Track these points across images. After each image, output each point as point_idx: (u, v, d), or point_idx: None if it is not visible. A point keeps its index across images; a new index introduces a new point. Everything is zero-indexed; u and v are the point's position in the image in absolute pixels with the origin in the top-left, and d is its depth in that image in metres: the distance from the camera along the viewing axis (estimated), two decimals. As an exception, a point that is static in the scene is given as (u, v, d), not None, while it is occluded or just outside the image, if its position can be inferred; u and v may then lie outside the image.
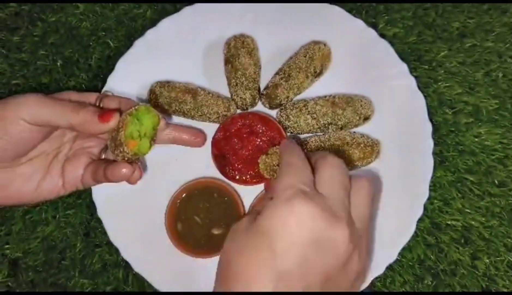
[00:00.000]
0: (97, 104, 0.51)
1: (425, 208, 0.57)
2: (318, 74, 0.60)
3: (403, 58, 0.61)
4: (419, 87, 0.60)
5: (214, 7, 0.63)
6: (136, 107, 0.47)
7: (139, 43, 0.62)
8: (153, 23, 0.63)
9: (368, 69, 0.61)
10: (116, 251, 0.58)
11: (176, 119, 0.61)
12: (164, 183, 0.59)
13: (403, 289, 0.58)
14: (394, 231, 0.57)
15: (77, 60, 0.65)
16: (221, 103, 0.59)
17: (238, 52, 0.60)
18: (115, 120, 0.46)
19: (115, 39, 0.65)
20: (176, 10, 0.63)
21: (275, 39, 0.62)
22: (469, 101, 0.62)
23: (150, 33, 0.62)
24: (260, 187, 0.58)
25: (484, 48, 0.64)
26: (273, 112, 0.61)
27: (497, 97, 0.62)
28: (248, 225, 0.38)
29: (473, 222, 0.59)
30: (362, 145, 0.57)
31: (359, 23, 0.62)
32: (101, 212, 0.59)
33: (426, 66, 0.63)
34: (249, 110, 0.61)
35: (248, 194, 0.58)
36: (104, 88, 0.61)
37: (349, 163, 0.57)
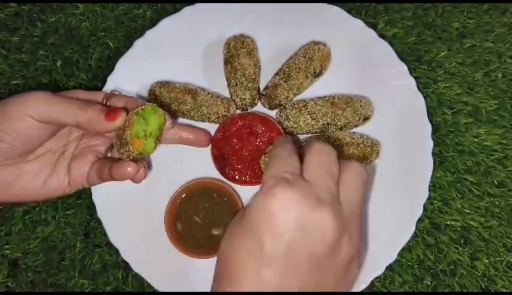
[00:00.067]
0: (104, 103, 0.51)
1: (425, 208, 0.57)
2: (317, 74, 0.60)
3: (402, 58, 0.61)
4: (418, 88, 0.60)
5: (214, 7, 0.63)
6: (142, 106, 0.48)
7: (139, 44, 0.62)
8: (153, 23, 0.63)
9: (367, 69, 0.61)
10: (116, 251, 0.58)
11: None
12: (164, 183, 0.59)
13: (403, 289, 0.58)
14: (393, 231, 0.57)
15: (77, 61, 0.65)
16: (220, 103, 0.59)
17: (237, 53, 0.60)
18: (121, 119, 0.47)
19: (115, 40, 0.65)
20: (176, 10, 0.63)
21: (275, 39, 0.62)
22: (468, 102, 0.62)
23: (150, 34, 0.62)
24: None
25: (484, 49, 0.64)
26: (273, 113, 0.61)
27: (496, 97, 0.62)
28: (238, 221, 0.39)
29: (472, 222, 0.59)
30: (361, 145, 0.57)
31: (359, 24, 0.61)
32: (101, 213, 0.59)
33: (426, 67, 0.63)
34: (249, 110, 0.61)
35: (247, 194, 0.58)
36: (104, 89, 0.61)
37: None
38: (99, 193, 0.59)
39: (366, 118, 0.59)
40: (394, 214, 0.57)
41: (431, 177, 0.57)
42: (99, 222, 0.59)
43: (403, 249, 0.57)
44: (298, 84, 0.59)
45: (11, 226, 0.61)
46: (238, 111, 0.61)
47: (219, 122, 0.60)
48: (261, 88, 0.62)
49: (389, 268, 0.57)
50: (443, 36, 0.64)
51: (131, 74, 0.61)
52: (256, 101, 0.61)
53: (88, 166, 0.51)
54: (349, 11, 0.62)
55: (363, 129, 0.60)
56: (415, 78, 0.60)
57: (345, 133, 0.58)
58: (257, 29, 0.62)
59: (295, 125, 0.58)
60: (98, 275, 0.60)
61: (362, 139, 0.58)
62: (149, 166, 0.60)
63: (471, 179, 0.60)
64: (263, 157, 0.50)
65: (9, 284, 0.59)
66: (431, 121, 0.59)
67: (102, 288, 0.59)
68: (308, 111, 0.58)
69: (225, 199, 0.58)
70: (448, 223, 0.59)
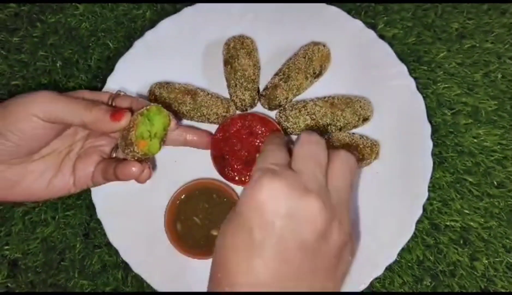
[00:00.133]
0: (110, 103, 0.51)
1: (424, 209, 0.57)
2: (317, 75, 0.60)
3: (402, 59, 0.61)
4: (418, 88, 0.60)
5: (214, 7, 0.63)
6: (147, 107, 0.48)
7: (138, 44, 0.62)
8: (153, 24, 0.63)
9: (367, 70, 0.61)
10: (116, 252, 0.58)
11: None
12: (163, 183, 0.59)
13: (402, 290, 0.58)
14: (393, 232, 0.57)
15: (77, 61, 0.65)
16: (220, 104, 0.59)
17: (237, 53, 0.60)
18: (126, 120, 0.47)
19: (114, 40, 0.65)
20: (176, 10, 0.63)
21: (275, 40, 0.62)
22: (468, 102, 0.62)
23: (150, 34, 0.62)
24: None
25: (483, 49, 0.64)
26: (272, 114, 0.61)
27: (496, 98, 0.62)
28: (229, 216, 0.39)
29: (472, 223, 0.59)
30: (361, 146, 0.57)
31: (358, 24, 0.62)
32: (101, 213, 0.59)
33: (425, 67, 0.63)
34: (249, 111, 0.61)
35: (247, 194, 0.58)
36: (104, 89, 0.61)
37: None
38: (99, 193, 0.59)
39: (365, 119, 0.59)
40: (394, 215, 0.57)
41: (431, 178, 0.58)
42: (99, 222, 0.59)
43: (402, 249, 0.57)
44: (297, 84, 0.59)
45: (11, 226, 0.61)
46: (237, 112, 0.61)
47: (218, 123, 0.60)
48: (261, 89, 0.62)
49: (389, 268, 0.57)
50: (443, 37, 0.64)
51: (131, 75, 0.61)
52: (255, 102, 0.61)
53: (93, 166, 0.52)
54: (348, 12, 0.62)
55: (363, 130, 0.60)
56: (415, 78, 0.60)
57: (344, 134, 0.58)
58: (257, 30, 0.62)
59: (295, 126, 0.58)
60: (97, 276, 0.60)
61: (361, 140, 0.58)
62: (153, 167, 0.60)
63: (470, 180, 0.60)
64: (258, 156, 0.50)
65: (9, 284, 0.60)
66: (430, 122, 0.59)
67: (101, 289, 0.59)
68: (308, 112, 0.58)
69: (225, 199, 0.58)
70: (448, 223, 0.59)
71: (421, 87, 0.62)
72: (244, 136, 0.58)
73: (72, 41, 0.66)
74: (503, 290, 0.57)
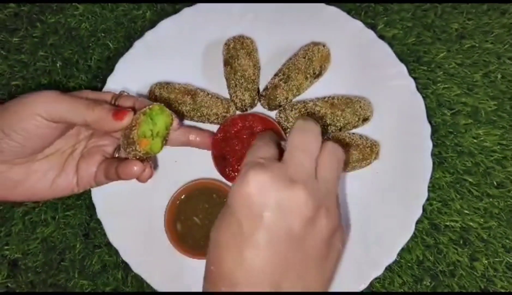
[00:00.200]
0: (113, 103, 0.52)
1: (424, 209, 0.57)
2: (317, 75, 0.60)
3: (402, 59, 0.61)
4: (418, 89, 0.60)
5: (214, 7, 0.63)
6: (150, 106, 0.48)
7: (138, 44, 0.62)
8: (153, 24, 0.63)
9: (367, 70, 0.61)
10: (116, 252, 0.58)
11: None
12: (163, 183, 0.59)
13: (402, 290, 0.58)
14: (393, 232, 0.57)
15: (77, 61, 0.65)
16: (220, 104, 0.59)
17: (237, 53, 0.60)
18: (128, 119, 0.47)
19: (114, 40, 0.65)
20: (176, 11, 0.63)
21: (275, 40, 0.62)
22: (467, 103, 0.62)
23: (150, 34, 0.62)
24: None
25: (483, 50, 0.64)
26: (272, 114, 0.61)
27: (495, 98, 0.62)
28: (222, 210, 0.40)
29: (471, 223, 0.59)
30: (361, 146, 0.57)
31: (358, 24, 0.62)
32: (101, 213, 0.59)
33: (425, 68, 0.63)
34: (248, 111, 0.61)
35: (247, 195, 0.58)
36: (104, 89, 0.61)
37: (348, 164, 0.57)
38: (99, 193, 0.59)
39: (365, 119, 0.59)
40: (394, 215, 0.57)
41: (431, 178, 0.58)
42: (98, 222, 0.59)
43: (402, 249, 0.57)
44: (297, 85, 0.59)
45: (11, 226, 0.61)
46: (237, 112, 0.61)
47: (218, 123, 0.60)
48: (261, 89, 0.62)
49: (389, 268, 0.57)
50: (443, 37, 0.64)
51: (130, 75, 0.61)
52: (255, 102, 0.61)
53: (96, 165, 0.52)
54: (348, 12, 0.62)
55: (363, 130, 0.60)
56: (415, 79, 0.60)
57: (344, 134, 0.58)
58: (257, 30, 0.63)
59: (295, 126, 0.58)
60: (97, 276, 0.60)
61: (361, 140, 0.58)
62: (154, 166, 0.60)
63: (470, 180, 0.60)
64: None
65: (9, 284, 0.60)
66: (430, 122, 0.59)
67: (101, 289, 0.59)
68: (308, 112, 0.58)
69: (225, 199, 0.58)
70: (448, 223, 0.59)
71: (421, 88, 0.62)
72: (245, 137, 0.58)
73: (72, 42, 0.66)
74: (502, 290, 0.58)
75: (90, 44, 0.65)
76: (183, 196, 0.59)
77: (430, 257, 0.59)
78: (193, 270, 0.57)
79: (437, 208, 0.60)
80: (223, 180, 0.59)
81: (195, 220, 0.58)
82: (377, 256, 0.57)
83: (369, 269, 0.56)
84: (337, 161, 0.42)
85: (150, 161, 0.51)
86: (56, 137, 0.49)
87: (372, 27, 0.63)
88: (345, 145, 0.57)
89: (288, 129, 0.59)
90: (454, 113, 0.62)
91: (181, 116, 0.60)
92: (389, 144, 0.59)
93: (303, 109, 0.58)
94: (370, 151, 0.57)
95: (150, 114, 0.48)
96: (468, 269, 0.58)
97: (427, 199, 0.57)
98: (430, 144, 0.58)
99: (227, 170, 0.58)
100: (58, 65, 0.65)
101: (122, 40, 0.65)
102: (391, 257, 0.56)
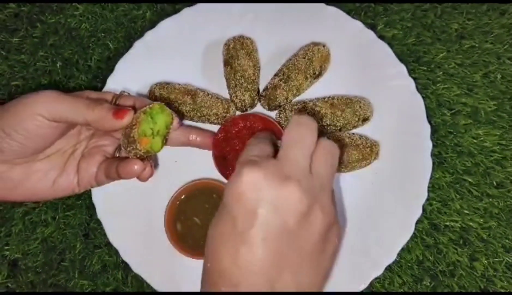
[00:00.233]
0: (113, 103, 0.52)
1: (424, 209, 0.57)
2: (317, 75, 0.60)
3: (401, 59, 0.61)
4: (417, 89, 0.60)
5: (214, 7, 0.63)
6: (150, 105, 0.48)
7: (138, 45, 0.62)
8: (153, 24, 0.63)
9: (367, 70, 0.61)
10: (116, 252, 0.58)
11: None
12: (163, 183, 0.59)
13: (402, 290, 0.58)
14: (393, 232, 0.57)
15: (77, 62, 0.65)
16: (220, 104, 0.59)
17: (237, 54, 0.60)
18: (129, 118, 0.47)
19: (114, 41, 0.66)
20: (176, 11, 0.63)
21: (275, 40, 0.62)
22: (467, 103, 0.62)
23: (150, 34, 0.62)
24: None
25: (483, 50, 0.64)
26: (272, 114, 0.61)
27: (495, 98, 0.62)
28: (218, 208, 0.40)
29: (471, 223, 0.59)
30: (361, 146, 0.57)
31: (358, 25, 0.62)
32: (101, 213, 0.59)
33: (425, 68, 0.63)
34: (249, 111, 0.61)
35: (247, 195, 0.58)
36: (104, 90, 0.61)
37: (348, 164, 0.57)
38: (99, 193, 0.59)
39: (365, 119, 0.59)
40: (394, 215, 0.57)
41: (430, 178, 0.58)
42: (98, 222, 0.59)
43: (402, 249, 0.57)
44: (297, 85, 0.59)
45: (11, 226, 0.61)
46: (237, 112, 0.61)
47: (218, 123, 0.60)
48: (261, 89, 0.62)
49: (389, 268, 0.57)
50: (442, 37, 0.64)
51: (130, 75, 0.61)
52: (255, 102, 0.61)
53: (96, 165, 0.52)
54: (348, 12, 0.62)
55: (363, 130, 0.60)
56: (414, 79, 0.60)
57: (344, 134, 0.58)
58: (257, 30, 0.63)
59: (295, 126, 0.58)
60: (97, 276, 0.60)
61: (361, 140, 0.58)
62: (155, 166, 0.60)
63: (470, 180, 0.60)
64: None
65: (9, 284, 0.60)
66: (430, 122, 0.59)
67: (101, 289, 0.59)
68: (308, 112, 0.58)
69: (225, 199, 0.58)
70: (447, 223, 0.59)
71: (421, 88, 0.62)
72: (245, 137, 0.58)
73: (72, 42, 0.66)
74: (502, 290, 0.58)
75: (90, 44, 0.65)
76: (183, 196, 0.59)
77: (430, 257, 0.59)
78: (193, 270, 0.57)
79: (437, 208, 0.60)
80: (224, 180, 0.59)
81: (195, 220, 0.58)
82: (377, 256, 0.57)
83: (369, 269, 0.56)
84: (332, 157, 0.42)
85: (150, 159, 0.51)
86: (57, 137, 0.49)
87: (372, 27, 0.63)
88: (345, 145, 0.57)
89: (288, 130, 0.59)
90: (454, 114, 0.62)
91: (181, 116, 0.60)
92: (389, 145, 0.59)
93: (302, 110, 0.58)
94: (370, 151, 0.57)
95: (151, 113, 0.48)
96: (468, 269, 0.58)
97: (427, 199, 0.57)
98: (430, 144, 0.58)
99: (227, 170, 0.58)
100: (58, 65, 0.65)
101: (122, 40, 0.65)
102: (391, 257, 0.56)
